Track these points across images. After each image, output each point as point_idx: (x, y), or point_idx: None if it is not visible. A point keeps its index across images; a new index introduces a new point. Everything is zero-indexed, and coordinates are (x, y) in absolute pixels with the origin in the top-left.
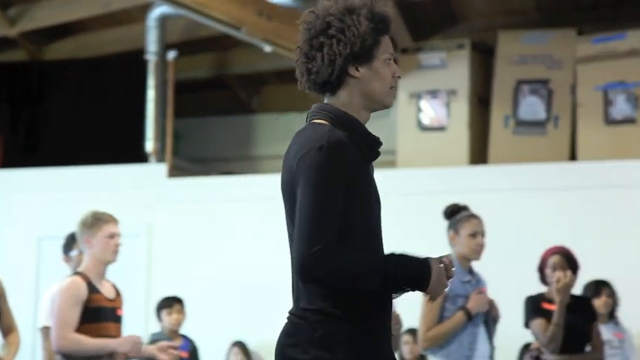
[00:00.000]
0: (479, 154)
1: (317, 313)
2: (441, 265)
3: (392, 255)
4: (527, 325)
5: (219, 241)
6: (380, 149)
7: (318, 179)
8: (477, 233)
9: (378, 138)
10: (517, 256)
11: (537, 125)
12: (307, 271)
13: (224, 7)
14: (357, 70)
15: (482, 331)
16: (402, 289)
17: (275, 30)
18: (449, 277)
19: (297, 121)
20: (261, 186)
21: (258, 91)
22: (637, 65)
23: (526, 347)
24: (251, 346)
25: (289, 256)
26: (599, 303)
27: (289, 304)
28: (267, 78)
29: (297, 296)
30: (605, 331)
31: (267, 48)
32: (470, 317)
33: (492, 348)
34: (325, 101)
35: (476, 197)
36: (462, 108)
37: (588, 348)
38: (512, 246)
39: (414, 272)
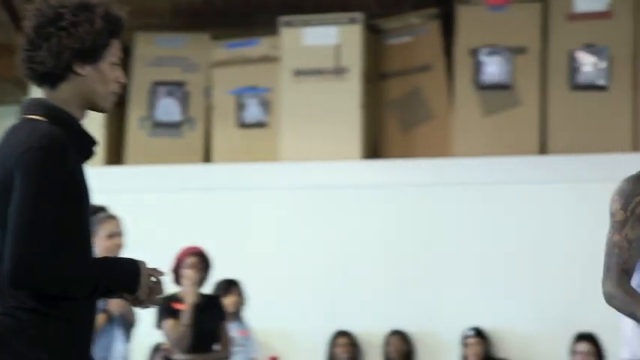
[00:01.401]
0: (116, 154)
1: (30, 312)
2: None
3: (102, 258)
4: (158, 326)
5: None
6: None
7: (37, 181)
8: (115, 234)
9: (94, 137)
10: (154, 256)
11: (173, 127)
12: (20, 278)
13: None
14: (83, 68)
15: (119, 333)
16: (114, 290)
17: None
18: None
19: None
20: None
21: None
22: (268, 71)
23: (157, 348)
24: None
25: None
26: (229, 301)
27: None
28: None
29: (4, 296)
30: (232, 329)
31: None
32: (110, 319)
33: (127, 349)
34: (42, 95)
35: (113, 198)
36: None
37: (217, 346)
38: (147, 247)
39: (125, 269)
